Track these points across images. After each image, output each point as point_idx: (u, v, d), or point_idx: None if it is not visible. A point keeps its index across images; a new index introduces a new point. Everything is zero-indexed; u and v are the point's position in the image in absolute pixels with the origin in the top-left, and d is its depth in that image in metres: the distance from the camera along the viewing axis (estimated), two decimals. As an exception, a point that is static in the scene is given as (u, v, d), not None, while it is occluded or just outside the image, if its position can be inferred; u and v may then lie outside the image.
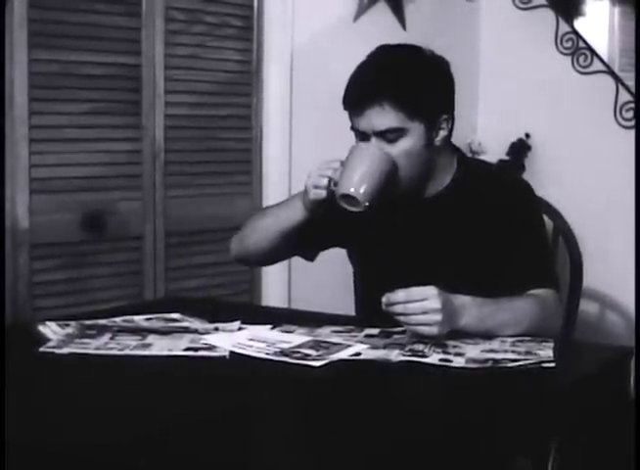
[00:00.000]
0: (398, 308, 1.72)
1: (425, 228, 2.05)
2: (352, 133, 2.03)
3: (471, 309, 1.79)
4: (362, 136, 1.97)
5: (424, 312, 1.71)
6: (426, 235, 2.05)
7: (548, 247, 2.09)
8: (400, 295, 1.72)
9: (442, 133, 1.99)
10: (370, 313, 2.02)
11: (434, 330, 1.72)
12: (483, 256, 2.00)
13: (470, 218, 2.03)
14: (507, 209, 2.02)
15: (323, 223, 2.11)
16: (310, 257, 2.22)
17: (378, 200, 1.91)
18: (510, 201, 2.03)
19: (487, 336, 1.78)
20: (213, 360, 1.66)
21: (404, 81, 1.94)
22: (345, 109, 1.98)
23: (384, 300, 1.73)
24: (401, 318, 1.73)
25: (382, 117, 1.92)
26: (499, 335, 1.80)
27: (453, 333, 1.76)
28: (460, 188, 2.05)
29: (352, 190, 1.87)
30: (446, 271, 1.96)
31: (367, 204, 1.89)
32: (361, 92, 1.94)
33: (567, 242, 2.45)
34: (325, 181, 1.92)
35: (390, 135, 1.93)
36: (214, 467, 1.20)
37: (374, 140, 1.94)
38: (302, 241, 2.15)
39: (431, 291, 1.72)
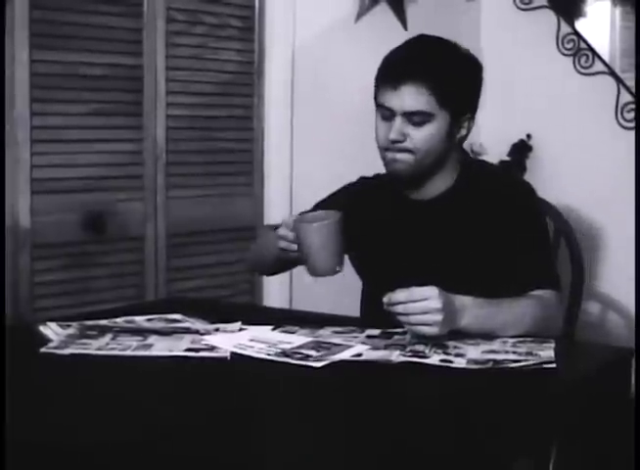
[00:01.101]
0: (399, 308, 1.72)
1: (428, 229, 2.06)
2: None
3: (471, 310, 1.79)
4: (386, 114, 1.97)
5: (424, 312, 1.71)
6: (428, 236, 2.05)
7: (549, 248, 2.09)
8: (401, 295, 1.72)
9: (462, 132, 2.02)
10: (374, 315, 2.03)
11: (434, 330, 1.72)
12: (485, 257, 2.00)
13: (472, 220, 2.03)
14: (509, 210, 2.02)
15: None
16: None
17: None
18: (512, 203, 2.03)
19: (488, 336, 1.78)
20: (214, 361, 1.66)
21: (444, 68, 1.96)
22: (379, 83, 1.99)
23: (385, 299, 1.73)
24: (402, 318, 1.73)
25: (415, 98, 1.93)
26: (500, 336, 1.80)
27: (454, 334, 1.76)
28: (463, 189, 2.05)
29: (329, 272, 1.87)
30: (448, 272, 1.95)
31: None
32: (401, 68, 1.95)
33: (567, 242, 2.45)
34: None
35: (417, 118, 1.94)
36: (215, 467, 1.20)
37: (398, 120, 1.94)
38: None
39: (431, 291, 1.72)
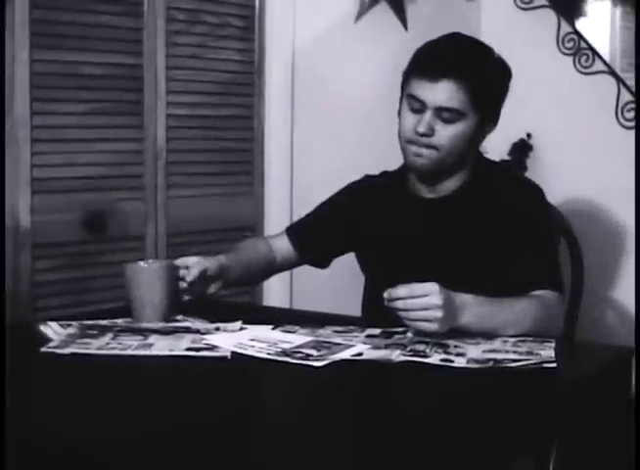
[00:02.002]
0: (399, 304, 1.72)
1: (437, 227, 2.06)
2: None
3: (472, 308, 1.78)
4: (416, 106, 1.96)
5: (424, 308, 1.71)
6: (437, 234, 2.05)
7: (555, 251, 2.08)
8: (402, 290, 1.72)
9: (483, 135, 2.02)
10: (378, 313, 2.03)
11: (434, 326, 1.71)
12: (490, 256, 2.00)
13: (480, 218, 2.03)
14: (517, 211, 2.02)
15: (332, 231, 2.12)
16: (323, 265, 2.24)
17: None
18: (520, 203, 2.04)
19: (488, 336, 1.78)
20: (215, 360, 1.66)
21: (482, 70, 1.97)
22: (412, 74, 1.97)
23: (385, 295, 1.73)
24: (402, 314, 1.72)
25: (451, 94, 1.93)
26: (500, 335, 1.80)
27: (454, 332, 1.76)
28: (473, 189, 2.06)
29: (154, 322, 1.88)
30: (454, 270, 1.96)
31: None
32: (440, 62, 1.94)
33: (568, 242, 2.45)
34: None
35: (448, 115, 1.95)
36: (215, 467, 1.20)
37: (429, 114, 1.94)
38: (313, 250, 2.17)
39: (432, 287, 1.72)
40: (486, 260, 2.00)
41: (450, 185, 2.06)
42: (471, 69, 1.95)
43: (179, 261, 1.95)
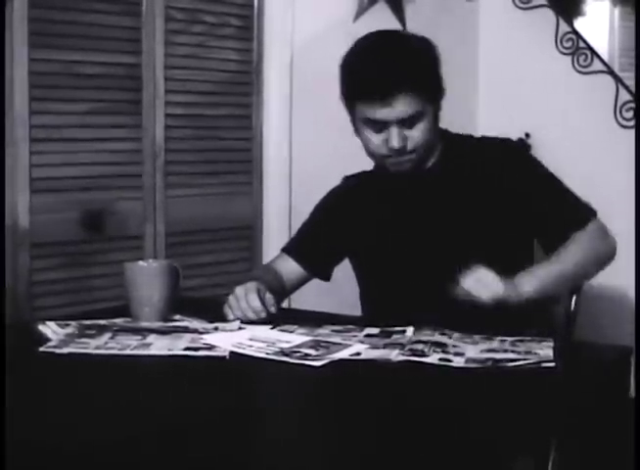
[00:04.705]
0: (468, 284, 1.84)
1: (427, 202, 2.08)
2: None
3: (531, 273, 1.94)
4: (377, 127, 1.96)
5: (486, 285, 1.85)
6: (431, 209, 2.07)
7: (560, 183, 2.16)
8: (468, 281, 1.85)
9: (439, 111, 2.04)
10: (380, 312, 2.04)
11: (496, 288, 1.85)
12: (495, 218, 2.03)
13: (468, 186, 2.05)
14: (504, 167, 2.06)
15: (330, 237, 2.13)
16: (327, 275, 2.24)
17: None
18: (504, 158, 2.08)
19: (488, 335, 1.78)
20: (213, 360, 1.66)
21: (420, 66, 1.96)
22: (359, 98, 1.95)
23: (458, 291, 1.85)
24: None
25: (407, 105, 1.93)
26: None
27: (455, 332, 1.76)
28: (451, 160, 2.08)
29: (152, 321, 1.89)
30: (460, 242, 2.02)
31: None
32: (385, 82, 1.92)
33: (567, 241, 2.44)
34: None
35: (411, 120, 1.95)
36: (214, 467, 1.20)
37: (394, 128, 1.94)
38: (319, 262, 2.18)
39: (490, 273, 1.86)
40: (493, 224, 2.03)
41: (427, 163, 2.09)
42: (415, 71, 1.94)
43: (241, 292, 1.92)
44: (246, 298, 1.89)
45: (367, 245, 2.14)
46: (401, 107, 1.93)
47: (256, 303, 1.89)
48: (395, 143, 1.95)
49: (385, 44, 1.99)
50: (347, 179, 2.23)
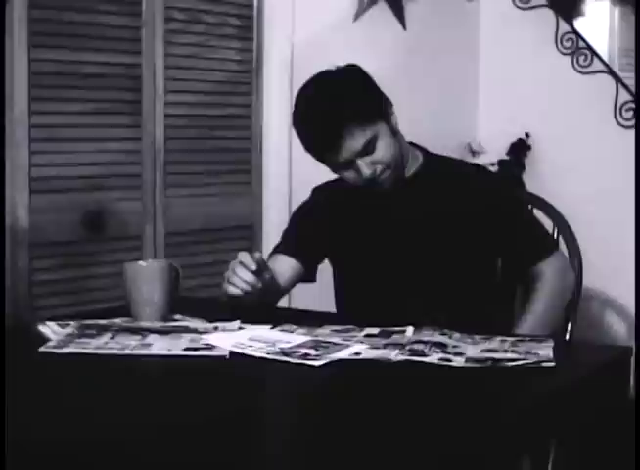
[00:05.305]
0: None
1: (406, 208, 2.15)
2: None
3: None
4: (344, 167, 2.06)
5: None
6: (408, 221, 2.15)
7: (530, 215, 2.27)
8: None
9: (394, 118, 2.11)
10: (355, 313, 2.07)
11: None
12: (465, 238, 2.12)
13: (440, 202, 2.14)
14: (478, 190, 2.15)
15: (317, 233, 2.17)
16: (312, 277, 2.27)
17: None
18: (480, 183, 2.18)
19: (487, 335, 1.78)
20: (213, 360, 1.66)
21: (354, 99, 2.04)
22: (319, 153, 2.06)
23: None
24: None
25: (358, 137, 2.02)
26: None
27: (455, 332, 1.76)
28: (428, 174, 2.17)
29: (152, 321, 1.88)
30: (432, 249, 2.11)
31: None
32: (329, 131, 2.01)
33: (566, 241, 2.45)
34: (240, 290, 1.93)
35: (369, 146, 2.04)
36: (214, 467, 1.20)
37: (360, 160, 2.03)
38: (312, 257, 2.23)
39: None
40: (460, 240, 2.12)
41: (409, 171, 2.18)
42: (350, 106, 2.02)
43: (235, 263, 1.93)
44: (236, 271, 1.92)
45: (341, 249, 2.21)
46: (354, 142, 2.02)
47: (248, 276, 1.90)
48: (366, 173, 2.05)
49: (315, 94, 2.08)
50: (329, 183, 2.26)
